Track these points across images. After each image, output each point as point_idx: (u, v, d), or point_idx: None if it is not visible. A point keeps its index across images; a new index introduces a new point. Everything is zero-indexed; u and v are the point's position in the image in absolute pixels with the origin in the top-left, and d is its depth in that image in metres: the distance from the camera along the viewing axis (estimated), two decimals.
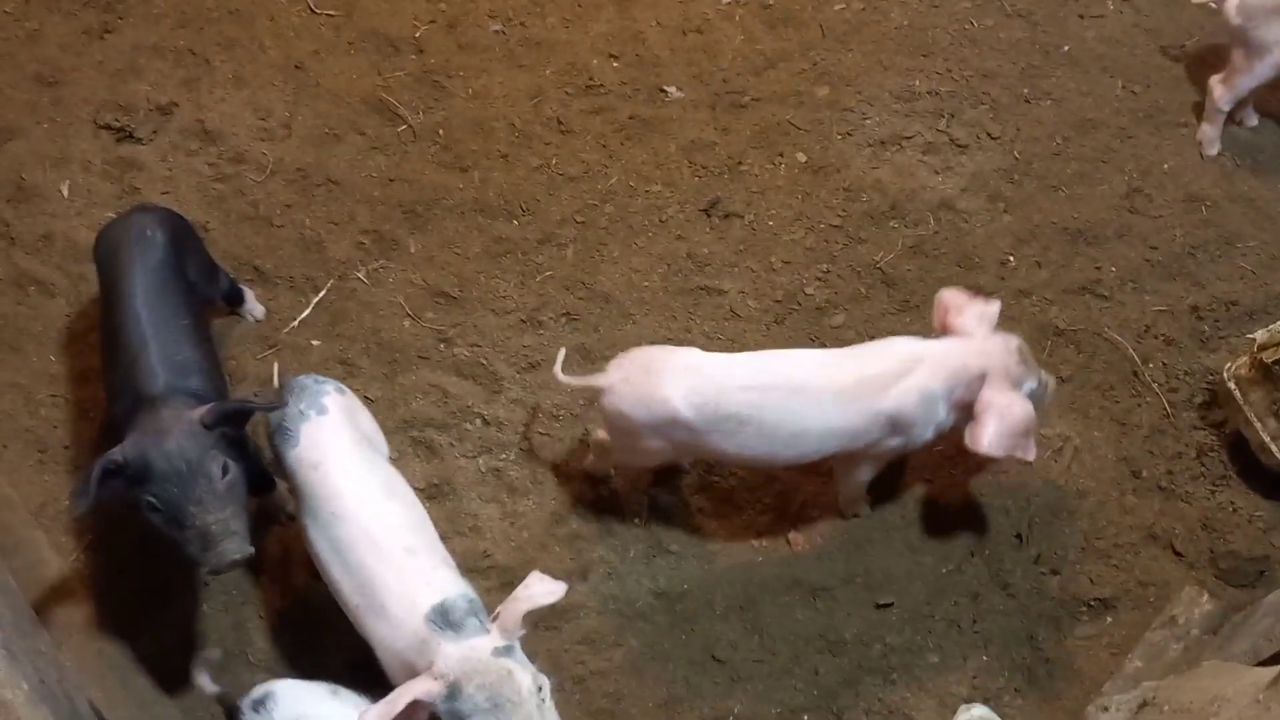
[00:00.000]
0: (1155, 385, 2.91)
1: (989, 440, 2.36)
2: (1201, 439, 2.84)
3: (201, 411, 2.16)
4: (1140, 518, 2.74)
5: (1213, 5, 3.14)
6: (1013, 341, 2.48)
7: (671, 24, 3.51)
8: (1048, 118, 3.34)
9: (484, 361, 2.94)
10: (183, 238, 2.56)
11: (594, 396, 2.56)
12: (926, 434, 2.46)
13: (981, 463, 2.73)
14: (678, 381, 2.38)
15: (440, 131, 3.30)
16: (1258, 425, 2.64)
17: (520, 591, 2.04)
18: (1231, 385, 2.69)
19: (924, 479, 2.79)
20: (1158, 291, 3.05)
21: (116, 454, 2.10)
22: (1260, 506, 2.73)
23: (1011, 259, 3.09)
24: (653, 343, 2.95)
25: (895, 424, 2.42)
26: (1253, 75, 3.12)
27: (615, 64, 3.45)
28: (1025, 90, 3.38)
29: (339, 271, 3.06)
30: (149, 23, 3.43)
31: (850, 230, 3.16)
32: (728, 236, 3.16)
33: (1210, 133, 3.26)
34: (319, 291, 3.01)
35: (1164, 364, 2.94)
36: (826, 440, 2.42)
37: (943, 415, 2.45)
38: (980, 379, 2.40)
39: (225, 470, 2.14)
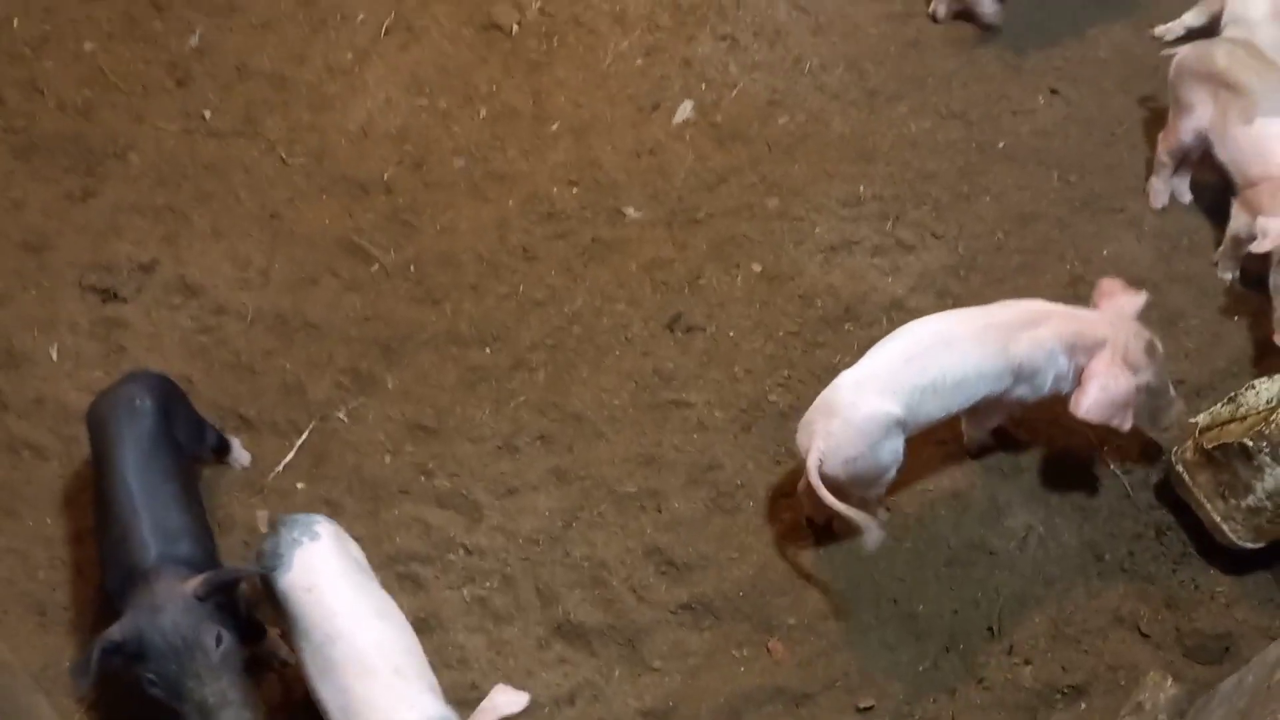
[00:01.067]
0: (1112, 467, 3.02)
1: (1087, 405, 2.61)
2: (1160, 518, 2.94)
3: (194, 584, 2.26)
4: (1106, 601, 2.83)
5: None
6: (1145, 332, 2.72)
7: (626, 148, 3.69)
8: (988, 213, 3.49)
9: (464, 491, 3.04)
10: (170, 402, 2.69)
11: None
12: (1045, 386, 2.69)
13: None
14: (866, 396, 2.57)
15: (411, 268, 3.45)
16: (1208, 506, 2.74)
17: (484, 704, 2.15)
18: (1179, 469, 2.79)
19: (896, 577, 2.88)
20: None
21: (114, 633, 2.20)
22: (1220, 582, 2.82)
23: None
24: (625, 459, 3.09)
25: (1021, 371, 2.64)
26: (1178, 134, 3.30)
27: (574, 190, 3.61)
28: (965, 188, 3.55)
29: (320, 412, 3.18)
30: (128, 183, 3.60)
31: (808, 335, 3.29)
32: (691, 349, 3.29)
33: (1156, 185, 3.44)
34: (302, 434, 3.13)
35: (1118, 446, 3.05)
36: (980, 385, 2.64)
37: (1063, 368, 2.67)
38: (1098, 348, 2.63)
39: (220, 640, 2.24)
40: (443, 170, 3.65)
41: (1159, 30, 3.75)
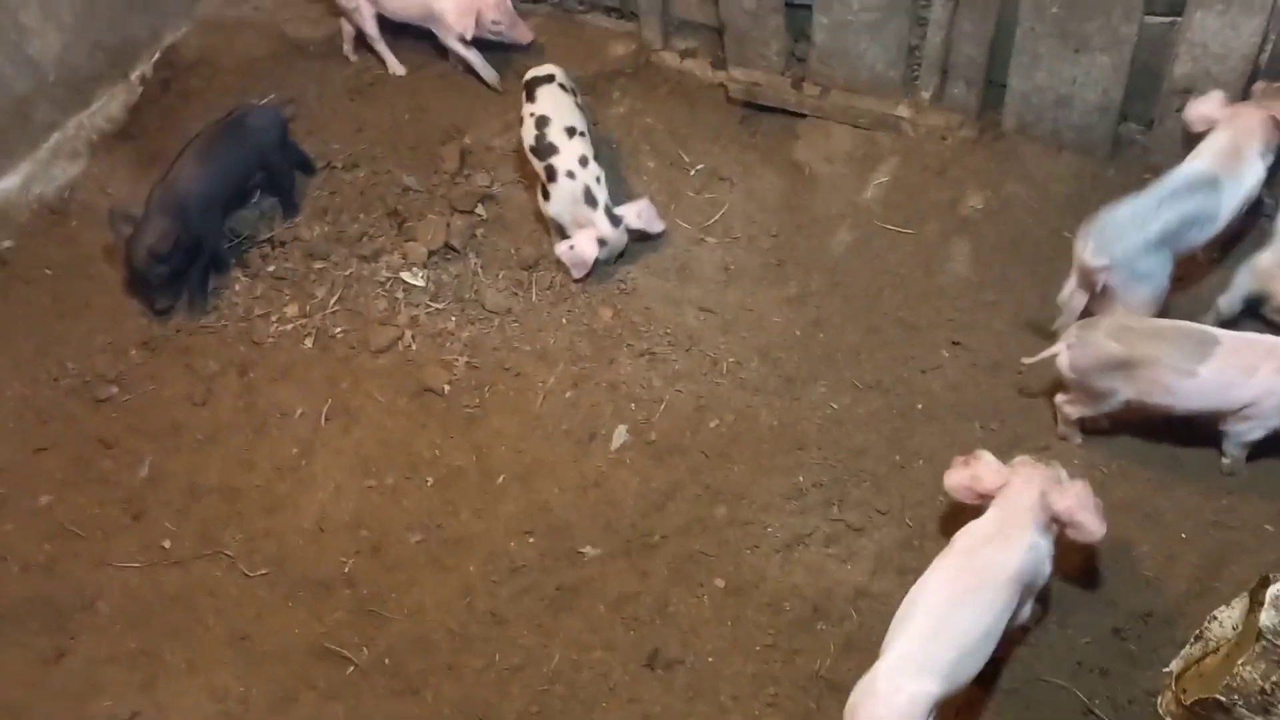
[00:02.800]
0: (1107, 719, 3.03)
1: (1098, 528, 2.98)
2: None
3: None
4: None
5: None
6: (1034, 466, 3.05)
7: (571, 485, 3.82)
8: (924, 477, 3.62)
9: None
10: None
11: None
12: (1047, 568, 2.99)
13: None
14: (905, 681, 2.70)
15: (386, 660, 3.48)
16: None
17: None
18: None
19: None
20: (1077, 624, 3.22)
21: None
22: None
23: None
24: None
25: (1023, 578, 2.89)
26: (1098, 408, 3.44)
27: (531, 539, 3.71)
28: (897, 456, 3.69)
29: None
30: (99, 633, 3.65)
31: (784, 645, 3.33)
32: (674, 686, 3.31)
33: (1066, 430, 3.57)
34: None
35: (1108, 696, 3.07)
36: (1002, 620, 2.85)
37: (1046, 549, 2.96)
38: (1044, 510, 2.94)
39: None
40: (400, 549, 3.74)
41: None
